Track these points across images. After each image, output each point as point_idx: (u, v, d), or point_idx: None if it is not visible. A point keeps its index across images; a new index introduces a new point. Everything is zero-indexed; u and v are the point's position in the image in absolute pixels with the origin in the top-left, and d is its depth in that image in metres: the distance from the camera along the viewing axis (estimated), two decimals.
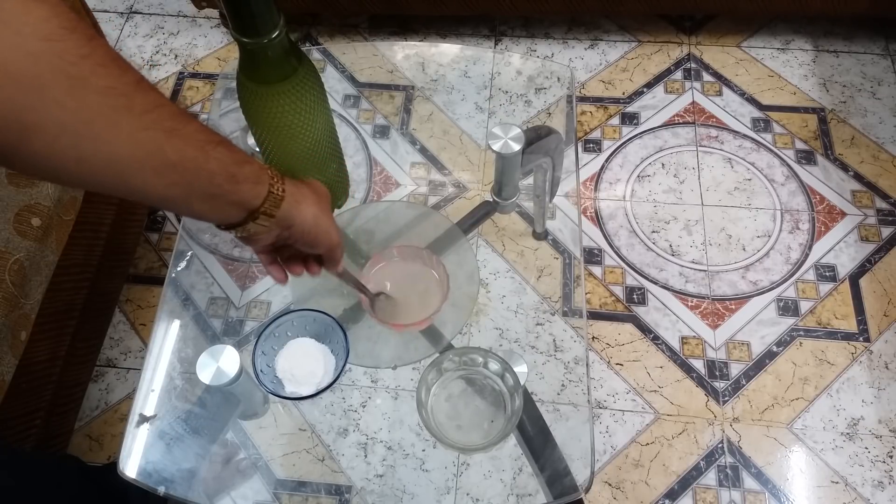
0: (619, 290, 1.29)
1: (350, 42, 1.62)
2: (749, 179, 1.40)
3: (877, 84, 1.51)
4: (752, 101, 1.49)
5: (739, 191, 1.38)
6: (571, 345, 0.87)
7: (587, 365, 0.85)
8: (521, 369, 0.73)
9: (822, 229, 1.34)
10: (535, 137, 0.79)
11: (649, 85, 1.53)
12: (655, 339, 1.24)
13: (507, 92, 1.07)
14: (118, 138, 0.39)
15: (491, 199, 0.88)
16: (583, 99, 1.51)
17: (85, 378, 1.19)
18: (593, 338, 1.24)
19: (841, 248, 1.32)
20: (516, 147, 0.75)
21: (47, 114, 0.36)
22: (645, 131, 1.46)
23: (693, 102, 1.50)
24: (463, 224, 0.92)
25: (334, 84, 1.13)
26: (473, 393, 0.78)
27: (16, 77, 0.34)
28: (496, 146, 0.75)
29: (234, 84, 0.66)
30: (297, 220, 0.54)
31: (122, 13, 1.69)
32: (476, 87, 1.08)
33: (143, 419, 0.78)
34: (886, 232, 1.33)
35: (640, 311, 1.27)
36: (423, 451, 0.83)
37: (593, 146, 1.45)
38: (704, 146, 1.44)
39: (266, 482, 0.81)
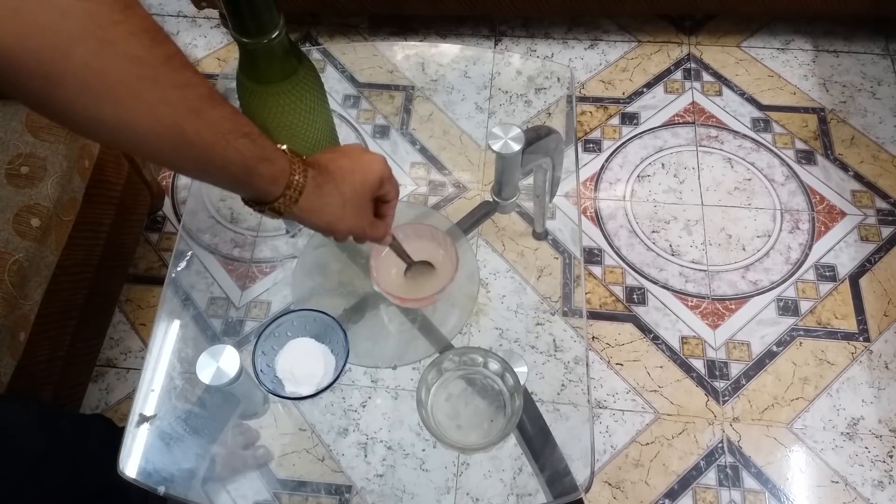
0: (619, 290, 1.29)
1: (350, 42, 1.62)
2: (749, 179, 1.40)
3: (877, 84, 1.51)
4: (751, 101, 1.49)
5: (739, 191, 1.38)
6: (571, 345, 0.87)
7: (587, 365, 0.85)
8: (521, 369, 0.73)
9: (822, 229, 1.34)
10: (535, 137, 0.79)
11: (649, 85, 1.53)
12: (655, 338, 1.24)
13: (507, 92, 1.07)
14: (138, 108, 0.40)
15: (491, 199, 0.88)
16: (583, 99, 1.51)
17: (85, 378, 1.19)
18: (593, 338, 1.24)
19: (841, 247, 1.32)
20: (516, 147, 0.75)
21: (71, 70, 0.37)
22: (645, 131, 1.46)
23: (693, 102, 1.50)
24: (463, 224, 0.92)
25: (334, 84, 1.13)
26: (473, 393, 0.78)
27: (43, 29, 0.35)
28: (496, 146, 0.75)
29: (234, 84, 0.66)
30: (307, 223, 0.55)
31: None
32: (476, 87, 1.07)
33: (143, 419, 0.78)
34: (886, 232, 1.33)
35: (640, 310, 1.27)
36: (423, 451, 0.83)
37: (593, 146, 1.45)
38: (704, 146, 1.44)
39: (266, 482, 0.81)
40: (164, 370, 0.82)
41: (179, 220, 1.38)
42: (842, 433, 1.15)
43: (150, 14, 0.40)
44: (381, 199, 0.61)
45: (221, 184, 0.49)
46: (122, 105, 0.39)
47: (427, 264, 0.77)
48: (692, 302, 1.27)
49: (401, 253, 0.72)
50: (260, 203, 0.52)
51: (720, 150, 1.43)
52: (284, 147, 0.52)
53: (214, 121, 0.44)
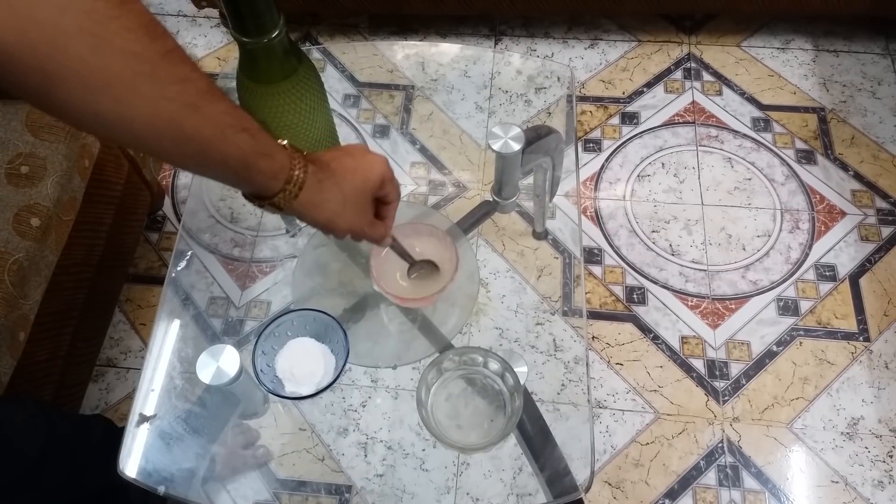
0: (619, 290, 1.29)
1: (350, 42, 1.62)
2: (749, 179, 1.40)
3: (877, 84, 1.51)
4: (752, 100, 1.49)
5: (739, 190, 1.38)
6: (571, 344, 0.87)
7: (587, 364, 0.85)
8: (521, 369, 0.73)
9: (822, 229, 1.34)
10: (535, 137, 0.79)
11: (649, 84, 1.53)
12: (655, 338, 1.24)
13: (507, 91, 1.07)
14: (136, 103, 0.40)
15: (491, 199, 0.88)
16: (583, 98, 1.51)
17: (85, 378, 1.19)
18: (593, 337, 1.24)
19: (841, 247, 1.32)
20: (516, 147, 0.75)
21: (68, 66, 0.37)
22: (645, 131, 1.46)
23: (693, 102, 1.50)
24: (463, 224, 0.92)
25: (334, 84, 1.13)
26: (473, 393, 0.78)
27: (40, 24, 0.35)
28: (496, 146, 0.75)
29: (234, 84, 0.66)
30: (307, 219, 0.55)
31: None
32: (476, 87, 1.07)
33: (143, 419, 0.78)
34: (886, 231, 1.33)
35: (640, 310, 1.27)
36: (423, 450, 0.83)
37: (593, 146, 1.45)
38: (704, 146, 1.44)
39: (266, 482, 0.81)
40: (164, 370, 0.82)
41: (179, 220, 1.38)
42: (842, 433, 1.15)
43: (147, 10, 0.41)
44: (381, 201, 0.61)
45: (220, 178, 0.49)
46: (120, 100, 0.40)
47: (430, 263, 0.77)
48: (692, 302, 1.27)
49: (402, 254, 0.72)
50: (260, 198, 0.52)
51: (720, 149, 1.43)
52: (285, 142, 0.52)
53: (213, 116, 0.44)
